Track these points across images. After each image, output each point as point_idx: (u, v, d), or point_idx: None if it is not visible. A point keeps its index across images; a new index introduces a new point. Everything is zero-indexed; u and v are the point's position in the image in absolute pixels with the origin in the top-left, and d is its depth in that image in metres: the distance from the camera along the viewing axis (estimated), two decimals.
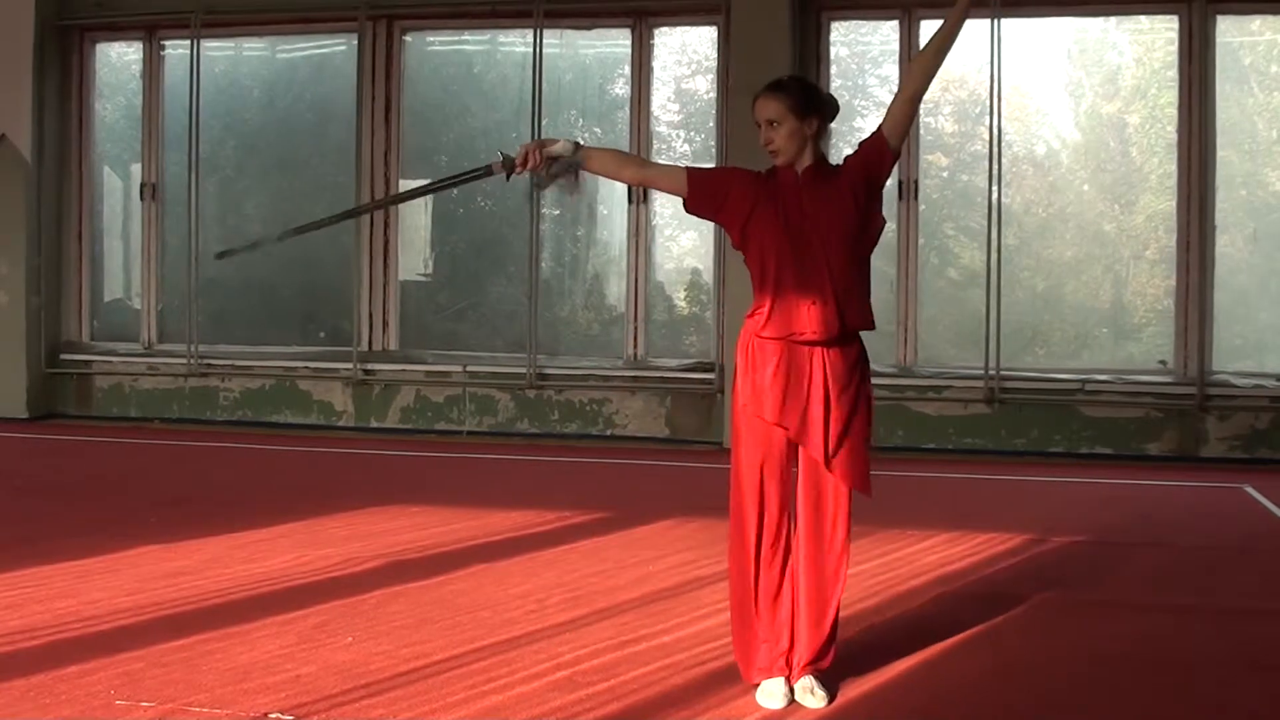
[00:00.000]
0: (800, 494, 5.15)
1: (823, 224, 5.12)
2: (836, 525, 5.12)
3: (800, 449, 5.14)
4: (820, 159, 5.29)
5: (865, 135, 5.28)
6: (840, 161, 5.33)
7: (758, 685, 5.10)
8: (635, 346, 13.98)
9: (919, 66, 5.28)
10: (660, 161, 4.85)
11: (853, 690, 5.16)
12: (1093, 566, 7.68)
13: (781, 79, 5.33)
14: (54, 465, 11.89)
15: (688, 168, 5.37)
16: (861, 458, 5.15)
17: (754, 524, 5.14)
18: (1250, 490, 10.77)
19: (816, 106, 5.25)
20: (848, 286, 5.10)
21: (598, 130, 14.84)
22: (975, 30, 13.22)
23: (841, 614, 5.71)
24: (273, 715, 4.76)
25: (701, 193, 5.29)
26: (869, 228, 5.21)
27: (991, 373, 12.85)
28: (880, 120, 5.29)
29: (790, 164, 5.22)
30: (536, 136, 13.73)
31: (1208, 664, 5.69)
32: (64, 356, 15.08)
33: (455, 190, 13.96)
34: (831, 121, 5.37)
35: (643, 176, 5.83)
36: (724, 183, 5.32)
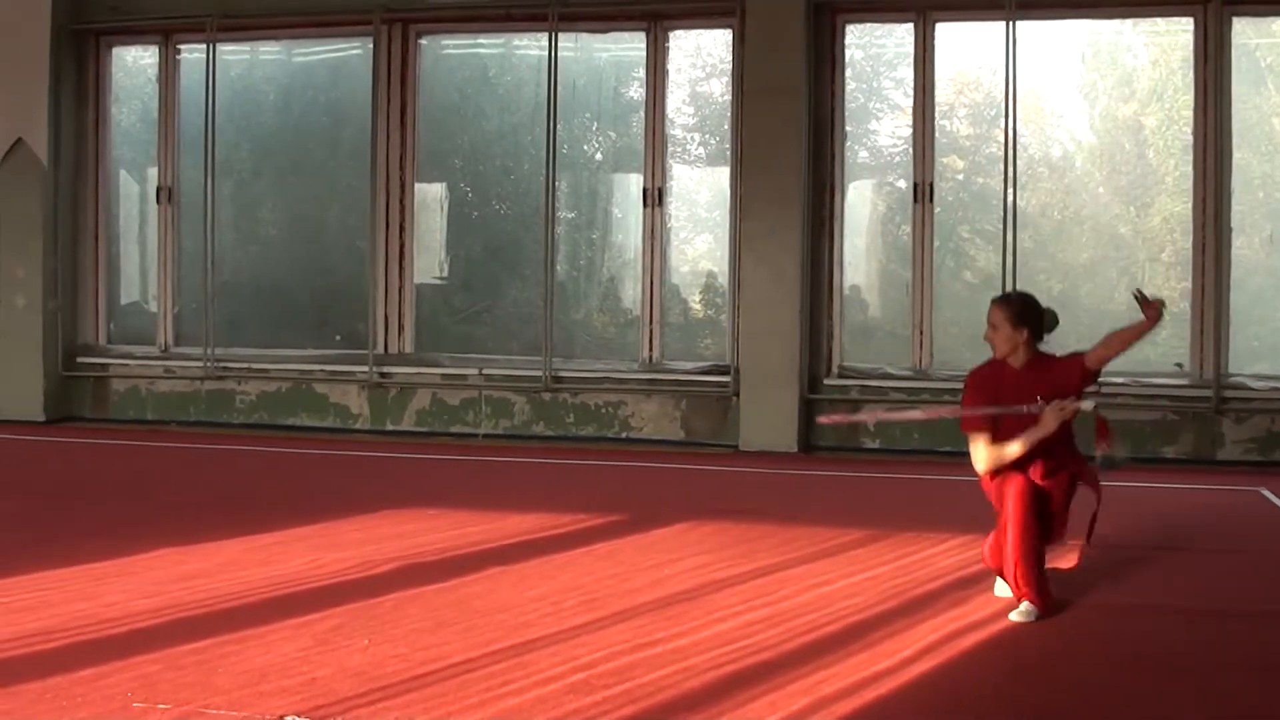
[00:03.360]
0: None
1: None
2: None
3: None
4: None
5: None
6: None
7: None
8: (651, 349, 13.97)
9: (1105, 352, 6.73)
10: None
11: (870, 693, 5.15)
12: (1108, 569, 7.66)
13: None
14: (70, 468, 11.91)
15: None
16: None
17: None
18: (1266, 493, 10.74)
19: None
20: None
21: (612, 134, 14.85)
22: (990, 33, 13.23)
23: (860, 617, 5.76)
24: (288, 718, 4.76)
25: None
26: None
27: None
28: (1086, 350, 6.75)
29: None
30: (552, 141, 13.76)
31: (1220, 667, 5.68)
32: (81, 360, 15.10)
33: (470, 193, 14.01)
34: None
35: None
36: None
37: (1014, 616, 6.39)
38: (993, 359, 6.90)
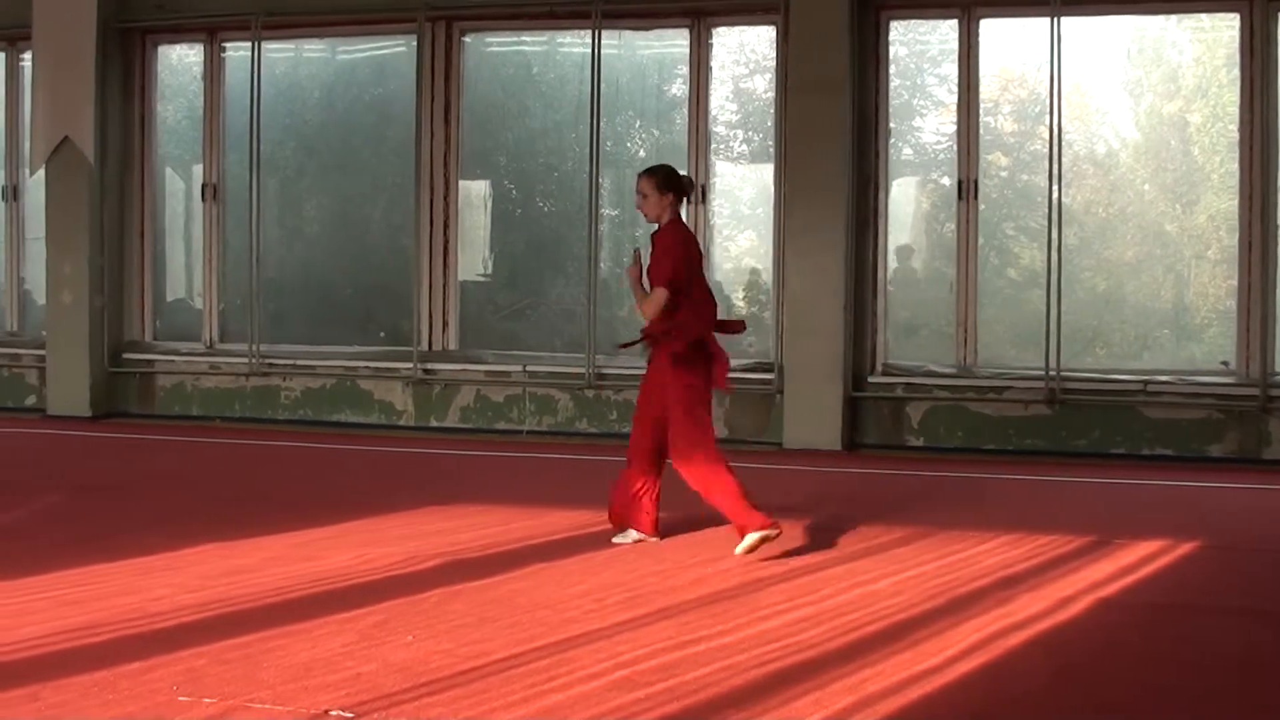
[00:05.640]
0: None
1: None
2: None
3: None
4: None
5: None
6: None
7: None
8: None
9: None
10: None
11: (914, 692, 5.14)
12: (1153, 569, 7.63)
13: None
14: (117, 463, 11.99)
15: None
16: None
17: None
18: None
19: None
20: None
21: (655, 132, 14.84)
22: (1035, 29, 13.16)
23: (903, 615, 5.75)
24: (333, 712, 4.78)
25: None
26: None
27: (1052, 373, 12.76)
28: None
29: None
30: (595, 138, 13.77)
31: (1267, 667, 5.65)
32: (127, 356, 15.20)
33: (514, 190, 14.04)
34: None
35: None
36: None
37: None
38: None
